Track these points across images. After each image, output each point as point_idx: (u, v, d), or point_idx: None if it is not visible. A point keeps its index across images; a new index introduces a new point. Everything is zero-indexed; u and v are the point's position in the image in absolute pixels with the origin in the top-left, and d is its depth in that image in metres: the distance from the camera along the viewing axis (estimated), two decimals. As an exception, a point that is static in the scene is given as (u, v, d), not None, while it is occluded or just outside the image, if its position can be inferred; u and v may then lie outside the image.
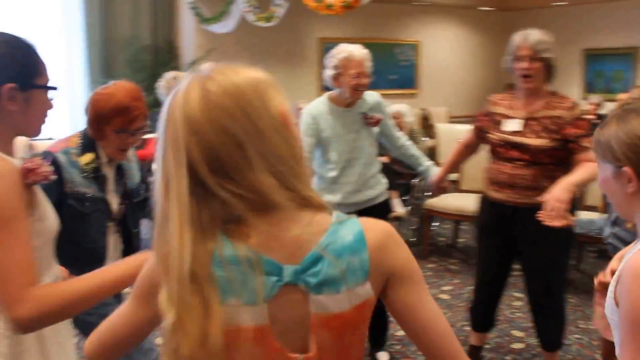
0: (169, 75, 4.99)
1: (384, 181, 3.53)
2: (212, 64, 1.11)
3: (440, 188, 3.58)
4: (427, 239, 5.74)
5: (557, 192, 2.57)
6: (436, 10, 10.34)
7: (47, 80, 1.60)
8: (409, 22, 10.22)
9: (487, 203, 3.23)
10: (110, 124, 2.25)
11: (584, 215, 4.72)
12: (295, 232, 1.05)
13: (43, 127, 1.64)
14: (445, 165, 3.56)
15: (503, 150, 3.04)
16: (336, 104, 3.34)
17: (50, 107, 1.62)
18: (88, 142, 2.30)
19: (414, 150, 3.64)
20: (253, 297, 1.02)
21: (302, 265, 1.04)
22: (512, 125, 3.02)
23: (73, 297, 1.42)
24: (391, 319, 4.05)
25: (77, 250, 2.18)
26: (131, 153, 2.52)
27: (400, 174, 5.81)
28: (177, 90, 1.07)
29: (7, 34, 1.57)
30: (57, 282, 1.59)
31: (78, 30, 8.57)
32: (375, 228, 1.11)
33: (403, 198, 5.86)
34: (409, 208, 5.74)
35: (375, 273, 1.09)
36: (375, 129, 3.40)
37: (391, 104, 6.39)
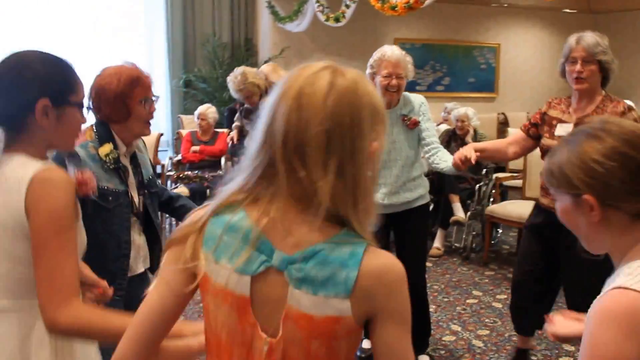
0: (237, 71, 5.08)
1: (426, 185, 3.48)
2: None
3: (466, 158, 3.13)
4: (487, 246, 5.60)
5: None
6: (518, 12, 10.06)
7: (81, 97, 1.66)
8: (489, 24, 10.00)
9: (536, 208, 3.19)
10: (133, 96, 2.23)
11: None
12: (307, 229, 1.09)
13: (74, 142, 1.71)
14: (486, 142, 3.42)
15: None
16: None
17: (83, 123, 1.68)
18: (104, 133, 2.27)
19: (441, 153, 3.40)
20: (241, 266, 1.10)
21: (294, 256, 1.08)
22: (564, 129, 2.93)
23: (102, 330, 1.47)
24: (440, 323, 4.11)
25: (101, 245, 2.16)
26: (141, 143, 2.51)
27: (463, 178, 5.71)
28: (306, 69, 1.11)
29: (46, 53, 1.65)
30: (98, 309, 1.62)
31: (161, 27, 8.91)
32: (380, 259, 1.10)
33: (466, 202, 5.76)
34: (470, 213, 5.61)
35: (361, 297, 1.08)
36: (416, 132, 3.35)
37: (459, 107, 6.30)
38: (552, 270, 3.16)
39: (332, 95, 1.07)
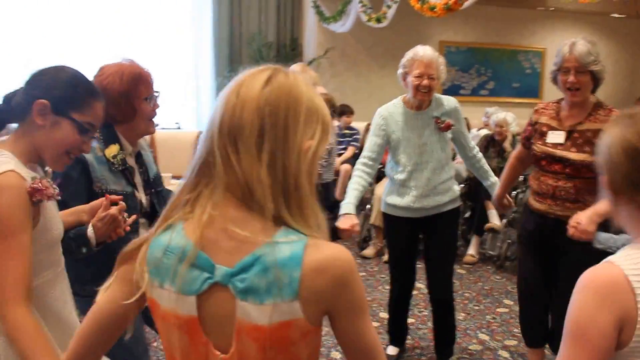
0: None
1: (456, 189, 3.45)
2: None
3: (503, 205, 3.44)
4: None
5: (584, 224, 2.52)
6: (564, 16, 9.85)
7: (85, 120, 1.70)
8: (534, 28, 9.83)
9: (529, 213, 3.12)
10: (138, 94, 2.19)
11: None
12: (244, 234, 1.07)
13: (58, 159, 1.72)
14: (502, 182, 3.38)
15: (545, 162, 2.95)
16: (408, 107, 3.31)
17: (72, 141, 1.69)
18: (109, 134, 2.21)
19: (483, 163, 3.52)
20: (183, 287, 1.09)
21: (234, 268, 1.06)
22: (556, 137, 2.91)
23: (26, 350, 1.49)
24: (468, 331, 4.09)
25: (111, 249, 2.07)
26: (144, 142, 2.44)
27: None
28: (251, 70, 1.15)
29: (80, 72, 1.74)
30: (37, 328, 1.57)
31: (207, 25, 9.04)
32: (322, 253, 1.07)
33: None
34: (506, 220, 5.56)
35: (309, 297, 1.06)
36: (449, 135, 3.34)
37: (500, 112, 6.23)
38: (551, 276, 3.10)
39: (270, 86, 1.09)
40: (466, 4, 5.06)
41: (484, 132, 6.59)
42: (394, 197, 3.41)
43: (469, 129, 8.46)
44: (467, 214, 5.95)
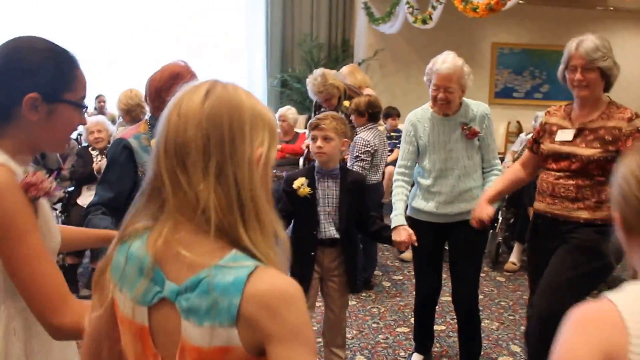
0: (316, 72, 5.13)
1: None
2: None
3: (482, 213, 3.05)
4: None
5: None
6: (625, 15, 9.47)
7: (79, 96, 1.52)
8: (594, 29, 9.33)
9: (534, 216, 3.05)
10: (170, 92, 2.11)
11: None
12: (194, 254, 1.06)
13: (64, 144, 1.58)
14: (496, 184, 3.17)
15: (551, 160, 2.87)
16: (436, 112, 3.27)
17: (78, 123, 1.55)
18: (157, 125, 2.33)
19: (491, 179, 3.33)
20: (138, 298, 1.11)
21: (181, 286, 1.06)
22: (564, 135, 2.83)
23: None
24: (500, 342, 3.98)
25: None
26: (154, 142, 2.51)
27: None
28: (189, 86, 1.13)
29: (49, 42, 1.50)
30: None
31: (260, 27, 9.16)
32: (265, 282, 1.04)
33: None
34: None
35: (247, 326, 1.03)
36: (477, 142, 3.26)
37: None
38: None
39: (210, 99, 1.07)
40: (509, 4, 4.94)
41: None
42: (418, 201, 3.38)
43: (519, 132, 8.29)
44: (511, 220, 5.81)
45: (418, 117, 3.33)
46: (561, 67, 2.82)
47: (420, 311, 3.61)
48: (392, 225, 3.11)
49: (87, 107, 1.57)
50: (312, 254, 2.95)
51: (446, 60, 3.16)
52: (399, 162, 3.40)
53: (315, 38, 9.14)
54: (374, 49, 8.77)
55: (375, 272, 5.23)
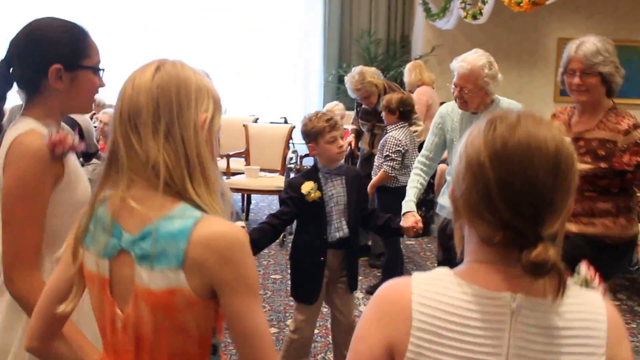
0: (355, 70, 5.03)
1: None
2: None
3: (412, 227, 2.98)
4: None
5: None
6: None
7: (96, 62, 1.71)
8: (670, 24, 8.93)
9: None
10: None
11: None
12: (146, 207, 1.18)
13: (89, 105, 1.78)
14: None
15: None
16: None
17: (99, 86, 1.72)
18: None
19: None
20: (100, 251, 1.23)
21: (136, 237, 1.19)
22: None
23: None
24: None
25: None
26: None
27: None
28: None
29: (60, 19, 1.70)
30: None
31: (318, 22, 9.14)
32: (212, 228, 1.16)
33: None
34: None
35: (193, 268, 1.14)
36: None
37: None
38: None
39: (160, 73, 1.21)
40: (551, -1, 4.69)
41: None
42: (444, 198, 3.29)
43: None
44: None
45: (449, 110, 3.25)
46: (560, 70, 2.63)
47: None
48: (402, 212, 3.04)
49: (103, 70, 1.75)
50: (322, 258, 2.86)
51: (465, 59, 3.04)
52: (422, 152, 3.35)
53: (373, 34, 9.02)
54: (431, 45, 8.57)
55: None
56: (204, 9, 8.91)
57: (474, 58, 3.02)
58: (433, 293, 1.02)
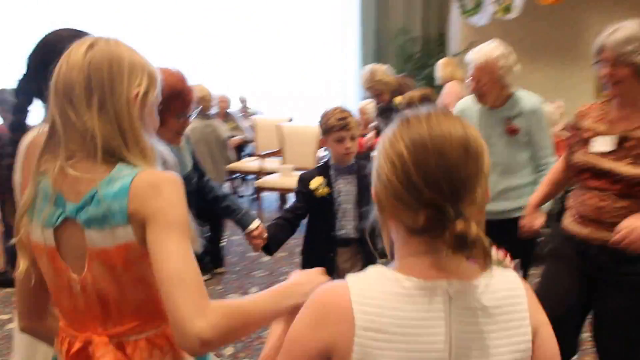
0: (366, 68, 5.08)
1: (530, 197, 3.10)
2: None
3: (529, 227, 2.78)
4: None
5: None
6: None
7: None
8: None
9: (564, 236, 2.52)
10: (170, 109, 2.24)
11: None
12: (89, 176, 1.26)
13: None
14: (536, 195, 2.78)
15: (588, 176, 2.36)
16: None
17: None
18: None
19: (540, 177, 3.07)
20: (45, 221, 1.29)
21: (80, 203, 1.26)
22: (602, 144, 2.31)
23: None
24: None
25: None
26: (183, 141, 2.52)
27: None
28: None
29: (71, 29, 1.76)
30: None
31: (354, 20, 9.15)
32: (147, 177, 1.25)
33: None
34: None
35: (136, 219, 1.22)
36: (522, 138, 3.05)
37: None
38: (582, 305, 2.52)
39: (92, 49, 1.28)
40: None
41: None
42: None
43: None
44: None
45: (466, 105, 3.21)
46: (594, 58, 2.35)
47: None
48: None
49: None
50: (332, 255, 2.79)
51: (481, 50, 3.02)
52: None
53: (409, 31, 8.97)
54: (468, 42, 8.48)
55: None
56: (239, 9, 9.02)
57: (489, 49, 2.99)
58: (371, 291, 1.03)
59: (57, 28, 1.78)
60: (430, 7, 9.08)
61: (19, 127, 1.80)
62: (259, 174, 6.72)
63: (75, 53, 1.29)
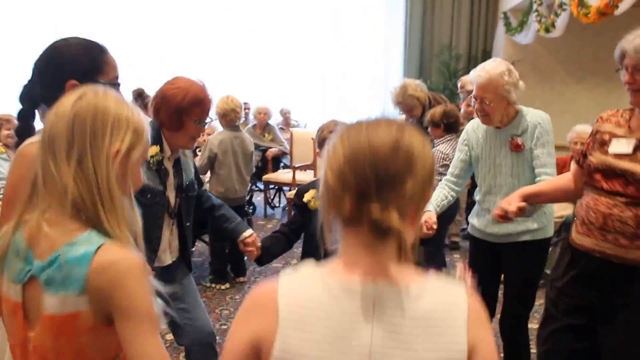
0: (398, 83, 5.02)
1: (543, 220, 3.01)
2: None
3: (503, 209, 2.54)
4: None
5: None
6: None
7: (112, 77, 1.80)
8: None
9: (569, 250, 2.42)
10: (190, 114, 2.41)
11: None
12: (57, 232, 1.25)
13: None
14: (530, 187, 2.68)
15: (600, 177, 2.27)
16: None
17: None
18: (155, 135, 2.44)
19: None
20: (14, 277, 1.30)
21: (45, 263, 1.24)
22: (621, 146, 2.23)
23: None
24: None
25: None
26: (188, 150, 2.64)
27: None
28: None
29: (79, 38, 1.82)
30: None
31: (399, 36, 9.15)
32: (110, 255, 1.22)
33: None
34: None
35: (94, 294, 1.21)
36: (527, 156, 2.95)
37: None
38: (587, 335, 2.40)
39: (80, 101, 1.29)
40: (622, 8, 4.45)
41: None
42: (473, 218, 3.20)
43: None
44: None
45: (475, 126, 3.13)
46: (617, 65, 2.28)
47: None
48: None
49: (119, 85, 1.82)
50: None
51: (484, 68, 2.90)
52: (449, 169, 3.25)
53: (454, 48, 8.90)
54: (512, 61, 8.34)
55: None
56: (285, 25, 9.12)
57: (492, 66, 2.89)
58: (299, 288, 1.08)
59: (68, 37, 1.83)
60: (477, 24, 9.00)
61: (24, 132, 1.85)
62: (293, 185, 6.76)
63: (64, 104, 1.31)
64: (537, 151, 2.92)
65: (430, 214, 2.93)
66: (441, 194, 3.16)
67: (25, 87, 1.84)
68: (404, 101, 4.77)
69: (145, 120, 1.37)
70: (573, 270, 2.39)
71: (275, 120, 8.67)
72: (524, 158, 2.95)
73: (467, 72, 8.85)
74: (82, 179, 1.25)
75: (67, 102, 1.30)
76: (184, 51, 8.78)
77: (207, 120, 2.52)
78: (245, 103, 8.78)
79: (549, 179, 2.76)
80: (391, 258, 1.06)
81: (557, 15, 5.53)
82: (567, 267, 2.43)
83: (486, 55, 9.03)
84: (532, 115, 2.96)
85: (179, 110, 2.42)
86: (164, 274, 2.48)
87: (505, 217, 2.53)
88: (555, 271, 2.51)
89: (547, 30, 5.73)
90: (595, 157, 2.32)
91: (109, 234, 1.25)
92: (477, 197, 3.17)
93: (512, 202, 2.54)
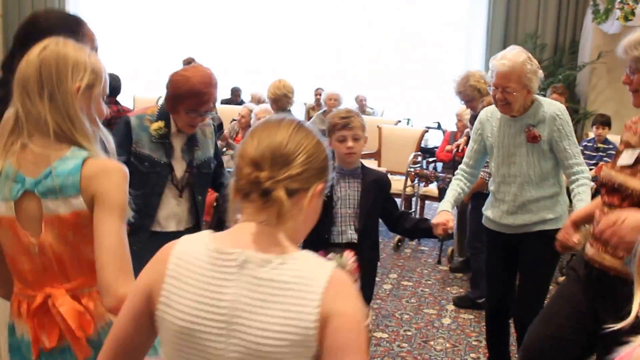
0: (462, 72, 4.83)
1: (558, 210, 2.95)
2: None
3: (564, 242, 2.49)
4: None
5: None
6: None
7: (91, 48, 1.83)
8: None
9: (580, 260, 2.35)
10: (183, 103, 2.51)
11: None
12: (45, 153, 1.54)
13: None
14: (579, 212, 2.56)
15: (604, 191, 2.19)
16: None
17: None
18: (163, 113, 2.60)
19: (580, 190, 2.83)
20: (5, 197, 1.57)
21: (37, 178, 1.54)
22: (626, 158, 2.13)
23: None
24: None
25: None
26: (209, 131, 2.76)
27: None
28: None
29: (57, 10, 1.93)
30: None
31: (482, 24, 8.86)
32: (96, 164, 1.55)
33: None
34: None
35: (86, 192, 1.52)
36: (543, 147, 2.86)
37: None
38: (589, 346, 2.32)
39: (45, 51, 1.57)
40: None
41: None
42: (487, 209, 3.14)
43: None
44: None
45: (489, 115, 3.06)
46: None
47: (491, 327, 3.33)
48: (438, 211, 2.91)
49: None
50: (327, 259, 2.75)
51: (505, 57, 2.83)
52: (463, 159, 3.21)
53: (539, 38, 8.50)
54: (600, 51, 7.86)
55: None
56: (364, 16, 9.08)
57: (513, 54, 2.83)
58: (188, 248, 1.24)
59: (48, 8, 1.91)
60: (566, 12, 8.54)
61: (3, 99, 1.85)
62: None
63: (32, 53, 1.57)
64: (563, 143, 2.86)
65: (448, 216, 2.81)
66: (458, 188, 3.10)
67: (6, 57, 1.93)
68: (465, 91, 4.59)
69: (101, 62, 1.63)
70: (577, 278, 2.34)
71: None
72: (540, 148, 2.89)
73: (553, 62, 8.47)
74: (56, 111, 1.54)
75: (34, 52, 1.56)
76: (267, 35, 8.95)
77: (206, 114, 2.61)
78: (318, 88, 8.81)
79: (595, 200, 2.52)
80: (271, 232, 1.21)
81: (637, 2, 5.14)
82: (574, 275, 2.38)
83: (574, 45, 8.57)
84: (549, 105, 2.90)
85: (175, 96, 2.54)
86: (169, 239, 2.53)
87: (568, 249, 2.52)
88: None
89: (626, 19, 5.34)
90: (604, 170, 2.23)
91: (86, 148, 1.56)
92: (491, 187, 3.10)
93: (569, 232, 2.45)
